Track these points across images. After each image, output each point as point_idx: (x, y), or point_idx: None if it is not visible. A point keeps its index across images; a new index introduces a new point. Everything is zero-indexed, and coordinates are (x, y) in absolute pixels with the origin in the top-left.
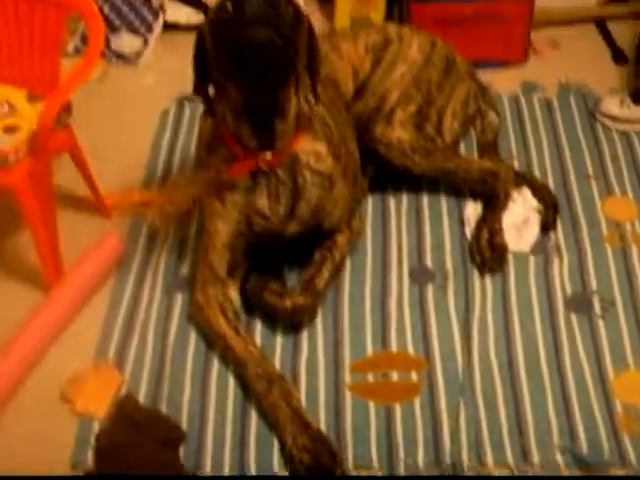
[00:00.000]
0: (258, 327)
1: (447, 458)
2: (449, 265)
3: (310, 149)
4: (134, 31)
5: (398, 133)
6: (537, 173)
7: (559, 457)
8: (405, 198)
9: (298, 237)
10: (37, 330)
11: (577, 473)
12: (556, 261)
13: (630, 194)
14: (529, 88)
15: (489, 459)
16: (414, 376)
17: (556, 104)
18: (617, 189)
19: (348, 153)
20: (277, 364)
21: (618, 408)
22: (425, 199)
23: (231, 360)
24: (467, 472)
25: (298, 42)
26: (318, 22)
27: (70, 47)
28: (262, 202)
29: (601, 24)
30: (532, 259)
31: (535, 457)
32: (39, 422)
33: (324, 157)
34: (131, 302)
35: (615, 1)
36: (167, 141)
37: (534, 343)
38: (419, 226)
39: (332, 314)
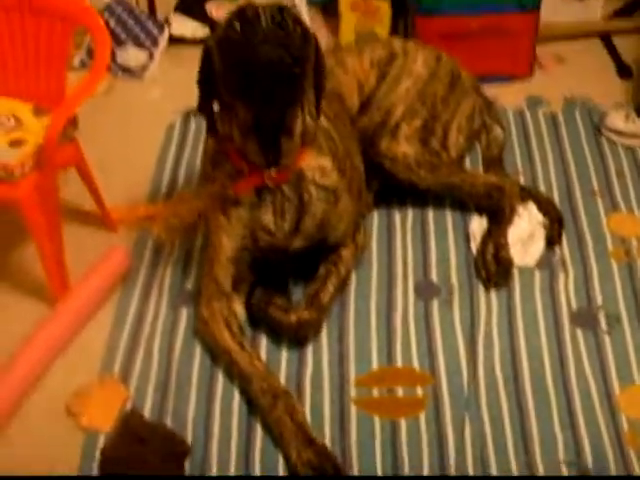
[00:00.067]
0: (263, 341)
1: (452, 473)
2: (454, 280)
3: (315, 164)
4: (140, 45)
5: (403, 148)
6: (542, 188)
7: (564, 472)
8: (410, 212)
9: (303, 251)
10: (42, 343)
11: None
12: (562, 276)
13: (636, 210)
14: (534, 102)
15: (494, 473)
16: (419, 391)
17: (561, 119)
18: (622, 204)
19: (353, 167)
20: (282, 378)
21: (624, 423)
22: (430, 213)
23: (236, 375)
24: None
25: (307, 61)
26: (323, 36)
27: (76, 60)
28: (267, 218)
29: (606, 39)
30: (537, 274)
31: (540, 472)
32: (44, 436)
33: (329, 172)
34: (136, 316)
35: (620, 16)
36: (173, 155)
37: (539, 358)
38: (424, 241)
39: (337, 328)
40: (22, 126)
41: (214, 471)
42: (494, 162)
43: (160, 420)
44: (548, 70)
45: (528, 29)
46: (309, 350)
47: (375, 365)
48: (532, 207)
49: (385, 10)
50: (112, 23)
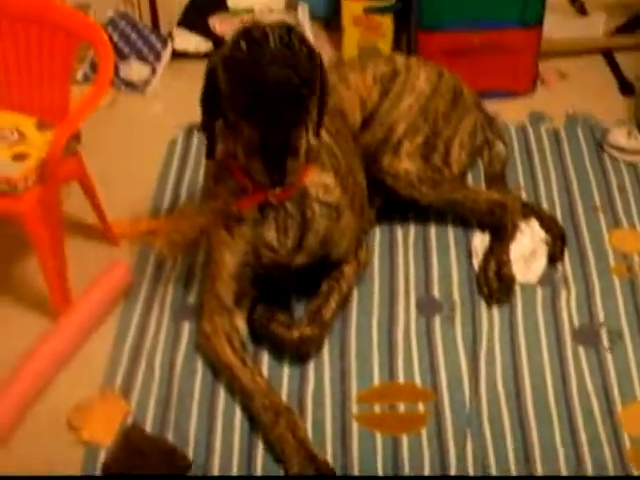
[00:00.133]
0: (265, 357)
1: None
2: (456, 296)
3: (318, 181)
4: (143, 59)
5: (405, 164)
6: (544, 204)
7: None
8: (412, 228)
9: (305, 268)
10: (44, 357)
11: None
12: (563, 293)
13: (638, 226)
14: (536, 119)
15: None
16: (421, 407)
17: (563, 135)
18: (624, 221)
19: (355, 183)
20: (284, 394)
21: (626, 440)
22: (433, 230)
23: (238, 391)
24: None
25: (314, 82)
26: (326, 51)
27: (79, 74)
28: (270, 235)
29: (608, 55)
30: (539, 290)
31: None
32: (46, 450)
33: (332, 189)
34: (138, 330)
35: (622, 32)
36: (175, 170)
37: (541, 374)
38: (426, 257)
39: (339, 344)
40: (25, 140)
41: None
42: (496, 178)
43: (161, 435)
44: (550, 86)
45: (530, 45)
46: (311, 366)
47: (377, 381)
48: (534, 224)
49: (388, 25)
50: (115, 37)
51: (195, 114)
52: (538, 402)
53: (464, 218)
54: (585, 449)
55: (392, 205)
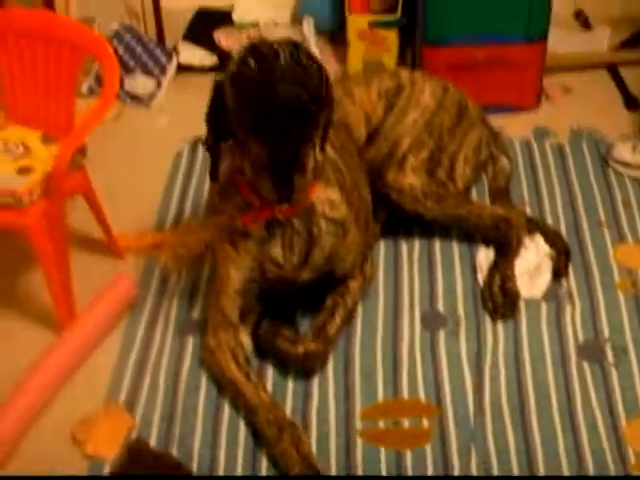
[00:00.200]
0: (269, 372)
1: None
2: (461, 311)
3: (324, 197)
4: (148, 72)
5: (410, 179)
6: (549, 219)
7: None
8: (417, 243)
9: (311, 283)
10: (49, 371)
11: None
12: (568, 308)
13: None
14: (541, 134)
15: None
16: (425, 422)
17: (568, 150)
18: (629, 236)
19: (360, 198)
20: (288, 410)
21: (630, 455)
22: (437, 244)
23: (242, 406)
24: None
25: (322, 98)
26: (332, 65)
27: (84, 88)
28: (276, 251)
29: (613, 70)
30: (544, 306)
31: None
32: (50, 463)
33: (338, 205)
34: (143, 344)
35: (627, 47)
36: (180, 183)
37: (546, 390)
38: (431, 271)
39: (343, 359)
40: (30, 153)
41: None
42: (501, 193)
43: (166, 449)
44: (555, 101)
45: (535, 60)
46: (315, 381)
47: (381, 397)
48: (539, 239)
49: (393, 40)
50: (120, 50)
51: (200, 127)
52: (542, 417)
53: (468, 233)
54: (590, 464)
55: (397, 220)
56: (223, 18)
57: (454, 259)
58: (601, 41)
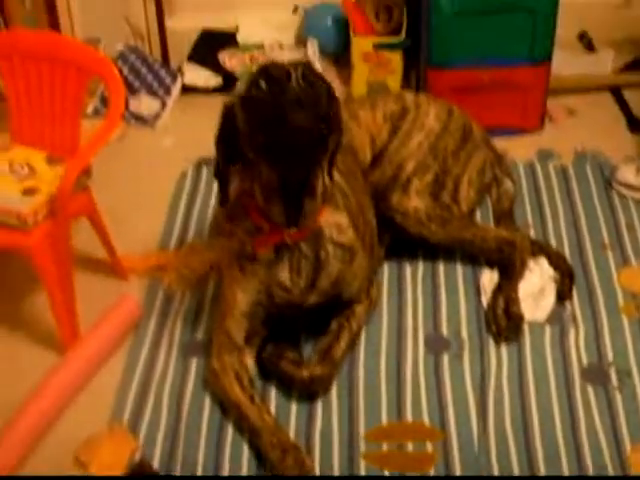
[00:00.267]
0: (272, 394)
1: None
2: (465, 334)
3: (332, 221)
4: (153, 93)
5: (414, 202)
6: (553, 241)
7: None
8: (421, 265)
9: (316, 307)
10: (52, 392)
11: None
12: (572, 331)
13: None
14: (545, 156)
15: None
16: (429, 446)
17: (572, 172)
18: (633, 259)
19: (365, 222)
20: (291, 432)
21: None
22: (441, 267)
23: (245, 428)
24: None
25: (333, 121)
26: (336, 88)
27: (89, 108)
28: (284, 275)
29: (616, 92)
30: (548, 329)
31: None
32: None
33: (346, 229)
34: (147, 366)
35: (631, 69)
36: (184, 204)
37: (550, 413)
38: (435, 294)
39: (347, 381)
40: (35, 175)
41: None
42: (505, 216)
43: (169, 470)
44: (559, 123)
45: (539, 82)
46: (319, 404)
47: (385, 420)
48: (543, 261)
49: (397, 62)
50: (125, 71)
51: (204, 148)
52: (546, 440)
53: (472, 255)
54: None
55: (401, 243)
56: (228, 39)
57: (458, 282)
58: (605, 63)
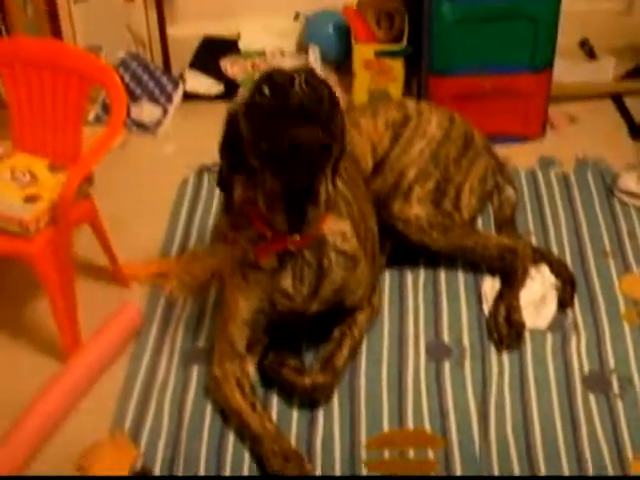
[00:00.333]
0: (274, 401)
1: None
2: (466, 341)
3: (336, 229)
4: (154, 100)
5: (416, 210)
6: (554, 249)
7: None
8: (422, 273)
9: (319, 314)
10: (54, 399)
11: None
12: (573, 339)
13: None
14: (546, 163)
15: None
16: (430, 453)
17: (573, 179)
18: (634, 266)
19: (367, 229)
20: (293, 439)
21: None
22: (442, 274)
23: (247, 436)
24: None
25: (337, 128)
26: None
27: (91, 116)
28: (287, 282)
29: (618, 99)
30: (549, 336)
31: None
32: None
33: (349, 237)
34: (148, 373)
35: (632, 77)
36: (186, 211)
37: (551, 421)
38: (436, 301)
39: (348, 389)
40: (37, 182)
41: None
42: (506, 223)
43: (170, 477)
44: (560, 130)
45: (540, 89)
46: (320, 411)
47: (386, 427)
48: (544, 269)
49: (399, 70)
50: (127, 78)
51: (206, 155)
52: (548, 448)
53: (474, 263)
54: None
55: (402, 251)
56: (229, 46)
57: (459, 289)
58: (606, 71)
